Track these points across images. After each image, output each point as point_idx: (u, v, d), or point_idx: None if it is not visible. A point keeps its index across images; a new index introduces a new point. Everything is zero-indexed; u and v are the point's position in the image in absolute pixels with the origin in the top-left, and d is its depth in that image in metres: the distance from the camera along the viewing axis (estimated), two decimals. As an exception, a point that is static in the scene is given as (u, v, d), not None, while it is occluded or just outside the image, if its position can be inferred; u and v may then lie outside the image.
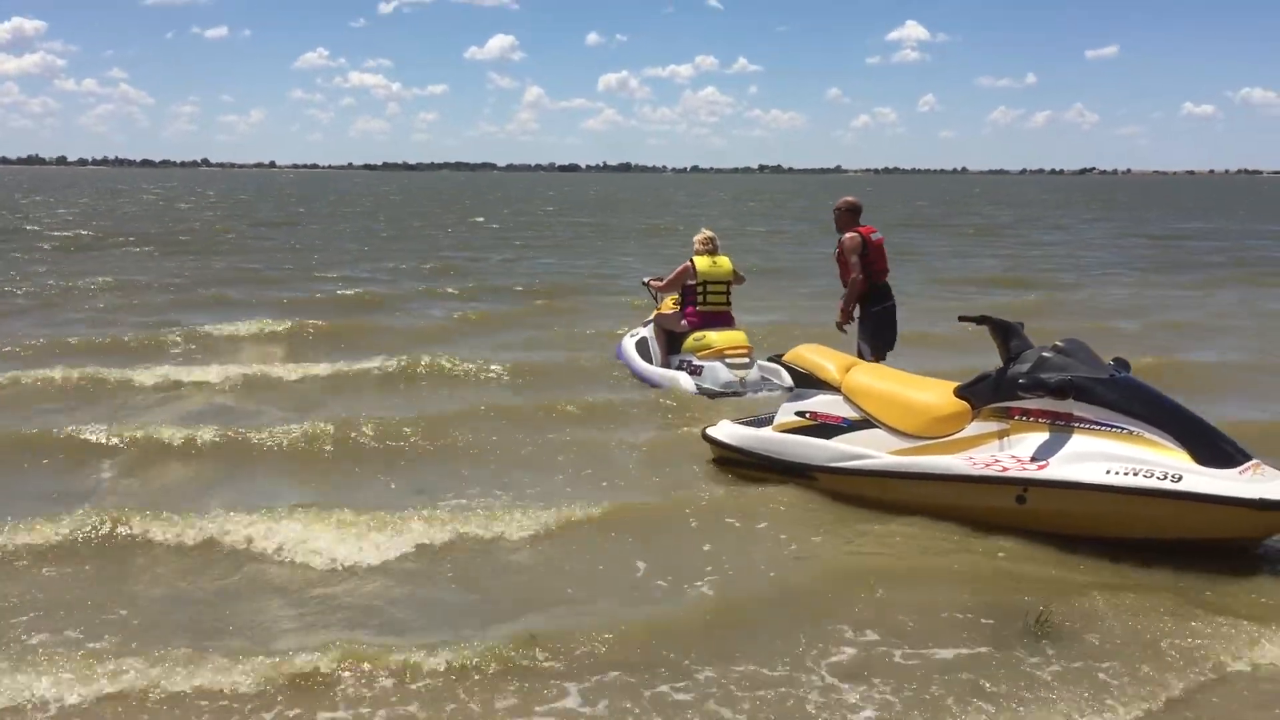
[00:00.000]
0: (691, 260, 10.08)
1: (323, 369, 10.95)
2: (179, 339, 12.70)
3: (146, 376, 10.28)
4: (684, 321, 10.06)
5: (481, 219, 45.28)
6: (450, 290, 18.53)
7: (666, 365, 10.03)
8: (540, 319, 15.22)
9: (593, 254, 27.64)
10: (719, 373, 9.50)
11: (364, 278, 20.43)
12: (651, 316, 10.63)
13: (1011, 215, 55.02)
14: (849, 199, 9.49)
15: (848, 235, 9.23)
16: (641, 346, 10.53)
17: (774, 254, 27.34)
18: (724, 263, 10.11)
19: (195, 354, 12.06)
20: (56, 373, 10.23)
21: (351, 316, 15.07)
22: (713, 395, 9.37)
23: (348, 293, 17.71)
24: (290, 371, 10.81)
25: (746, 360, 9.59)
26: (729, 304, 10.19)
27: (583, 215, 52.57)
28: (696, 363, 9.69)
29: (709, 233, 10.31)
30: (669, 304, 10.33)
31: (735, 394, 9.35)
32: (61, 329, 13.54)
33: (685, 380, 9.63)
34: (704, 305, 10.03)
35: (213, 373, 10.53)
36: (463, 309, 16.10)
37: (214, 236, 32.50)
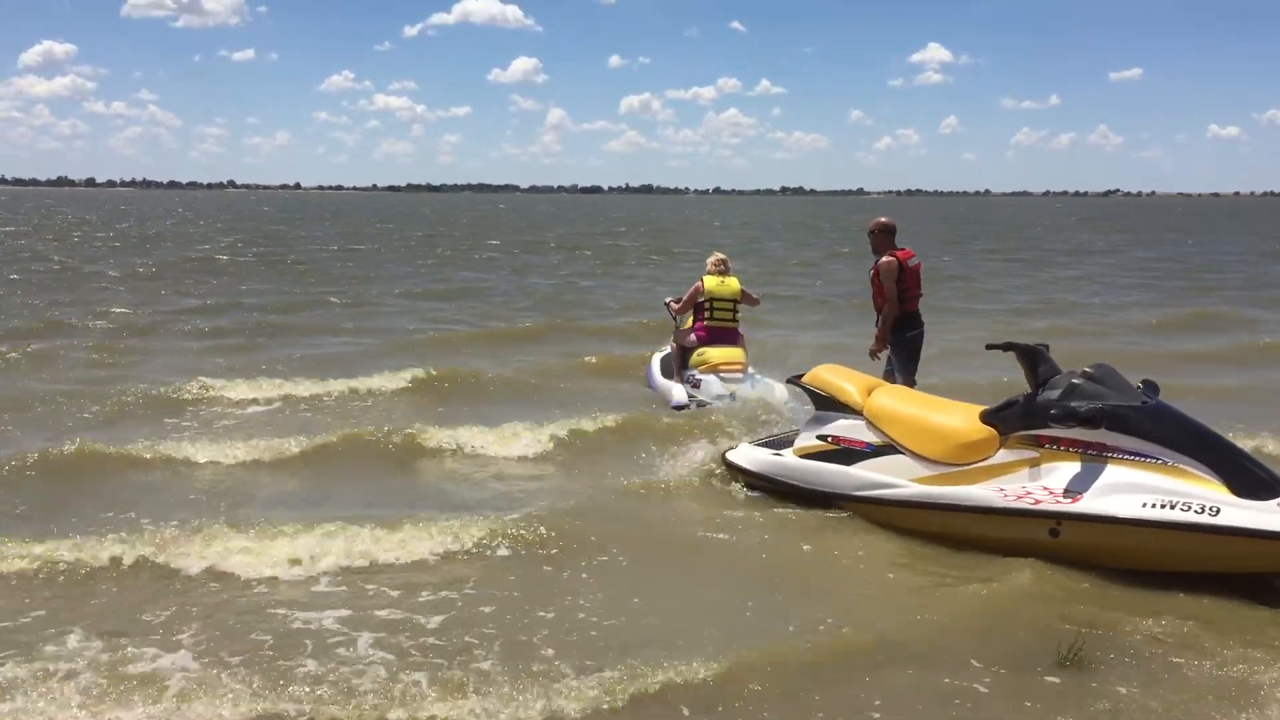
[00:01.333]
0: (702, 280, 10.83)
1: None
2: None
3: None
4: (692, 336, 10.79)
5: (590, 252, 38.94)
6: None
7: (681, 378, 10.68)
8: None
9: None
10: (712, 386, 10.21)
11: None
12: (673, 336, 11.35)
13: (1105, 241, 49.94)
14: (883, 220, 9.23)
15: (884, 260, 8.97)
16: (665, 361, 11.30)
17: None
18: (732, 283, 10.81)
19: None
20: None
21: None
22: (701, 405, 10.05)
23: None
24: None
25: (739, 375, 10.30)
26: (735, 321, 10.84)
27: (679, 240, 48.33)
28: (697, 376, 10.45)
29: (721, 255, 11.13)
30: (689, 321, 11.00)
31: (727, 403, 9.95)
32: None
33: (678, 391, 10.43)
34: (710, 321, 10.74)
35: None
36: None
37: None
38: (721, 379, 10.24)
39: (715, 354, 10.48)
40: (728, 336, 10.74)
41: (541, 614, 5.43)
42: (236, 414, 10.18)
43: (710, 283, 10.77)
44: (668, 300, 11.66)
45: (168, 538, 6.22)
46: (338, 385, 11.20)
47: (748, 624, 5.36)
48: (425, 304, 20.29)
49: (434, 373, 11.70)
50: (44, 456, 8.11)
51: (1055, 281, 26.55)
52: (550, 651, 4.97)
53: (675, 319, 11.33)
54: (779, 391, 9.79)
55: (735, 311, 10.84)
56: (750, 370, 10.49)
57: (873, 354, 9.22)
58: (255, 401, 10.63)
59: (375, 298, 21.07)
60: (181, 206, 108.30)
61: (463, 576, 5.92)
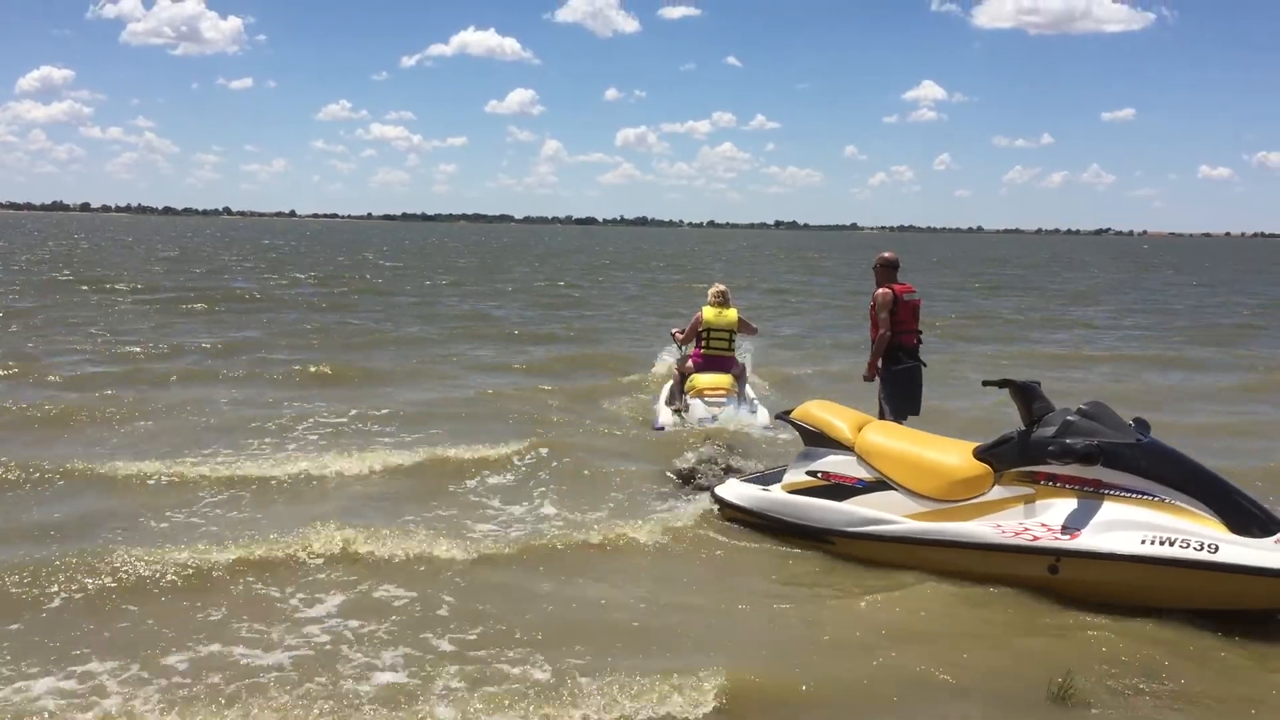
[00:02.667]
0: (701, 311, 11.36)
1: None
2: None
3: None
4: (689, 362, 11.35)
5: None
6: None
7: (680, 403, 11.12)
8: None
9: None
10: (697, 409, 10.78)
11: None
12: (677, 362, 11.98)
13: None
14: (885, 255, 9.40)
15: (880, 290, 9.15)
16: (672, 389, 11.65)
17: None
18: (729, 314, 11.33)
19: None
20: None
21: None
22: (686, 426, 10.58)
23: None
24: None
25: (723, 399, 10.83)
26: (730, 350, 11.38)
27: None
28: (687, 400, 10.99)
29: (721, 287, 11.66)
30: (689, 348, 11.60)
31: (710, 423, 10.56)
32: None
33: (663, 415, 11.02)
34: (707, 350, 11.32)
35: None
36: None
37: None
38: (705, 403, 10.77)
39: (702, 380, 11.03)
40: (721, 364, 11.23)
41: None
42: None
43: (709, 314, 11.31)
44: (673, 331, 12.32)
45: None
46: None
47: (745, 654, 5.26)
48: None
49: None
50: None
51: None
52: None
53: (680, 348, 11.90)
54: (761, 416, 10.69)
55: (731, 341, 11.35)
56: (737, 395, 10.99)
57: (866, 378, 9.29)
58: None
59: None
60: (190, 232, 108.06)
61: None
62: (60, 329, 18.78)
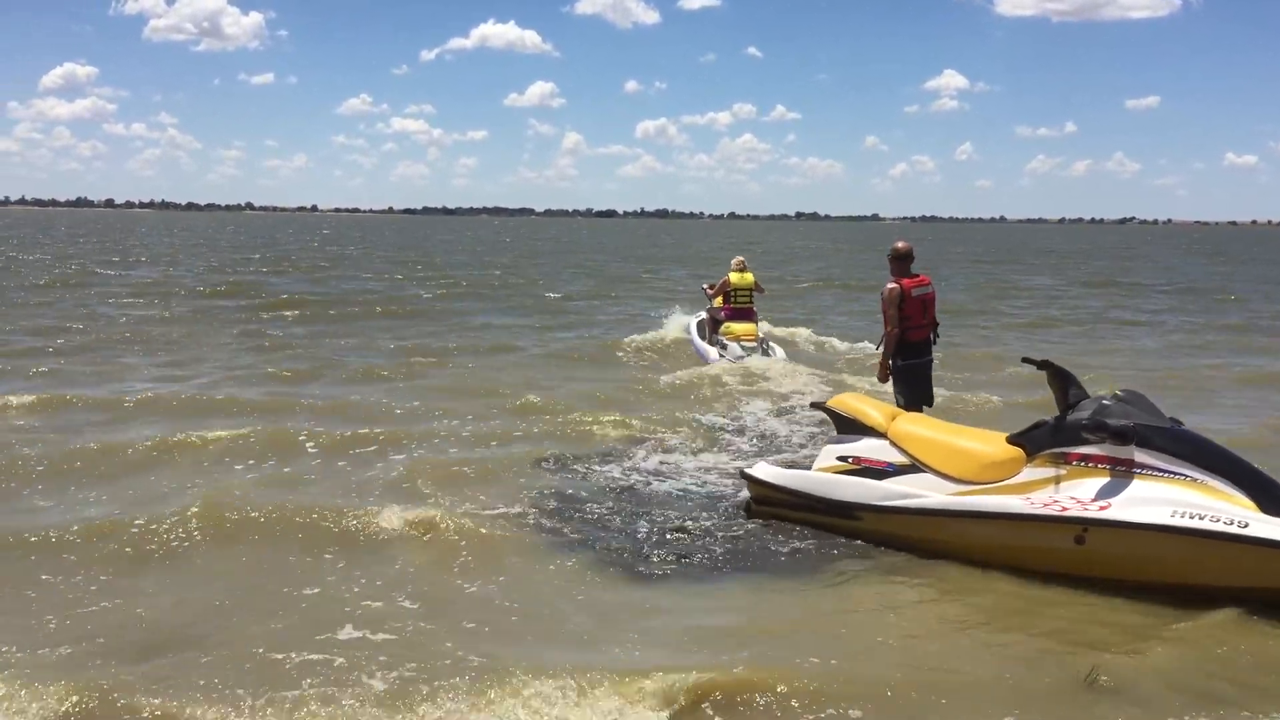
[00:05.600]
0: (729, 275, 15.35)
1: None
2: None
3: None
4: (722, 312, 15.24)
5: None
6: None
7: (710, 341, 15.32)
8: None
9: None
10: (734, 349, 14.63)
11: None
12: (706, 308, 16.16)
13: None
14: (898, 245, 9.23)
15: (888, 287, 9.00)
16: (699, 326, 16.28)
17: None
18: (749, 277, 15.39)
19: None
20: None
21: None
22: (728, 358, 14.43)
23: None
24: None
25: (753, 343, 14.78)
26: (751, 303, 15.37)
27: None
28: (725, 342, 14.84)
29: (741, 258, 15.85)
30: (718, 301, 15.42)
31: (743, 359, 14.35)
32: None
33: (714, 354, 14.90)
34: (735, 303, 15.26)
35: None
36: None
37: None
38: (742, 346, 14.67)
39: (737, 328, 14.97)
40: (746, 315, 15.24)
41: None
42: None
43: (734, 277, 15.30)
44: (704, 285, 16.71)
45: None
46: None
47: (783, 656, 5.26)
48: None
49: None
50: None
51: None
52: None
53: (710, 299, 15.86)
54: (779, 354, 14.84)
55: (751, 296, 15.33)
56: (761, 338, 15.07)
57: (879, 379, 9.19)
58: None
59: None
60: (234, 228, 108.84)
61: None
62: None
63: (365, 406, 11.46)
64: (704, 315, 16.28)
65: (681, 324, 17.76)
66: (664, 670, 4.77)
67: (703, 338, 15.77)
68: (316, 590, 5.99)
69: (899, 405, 8.79)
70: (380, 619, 5.54)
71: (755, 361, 14.14)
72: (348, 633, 5.35)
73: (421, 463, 8.83)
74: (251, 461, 8.94)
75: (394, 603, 5.80)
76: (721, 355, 14.69)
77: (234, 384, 12.94)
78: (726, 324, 14.99)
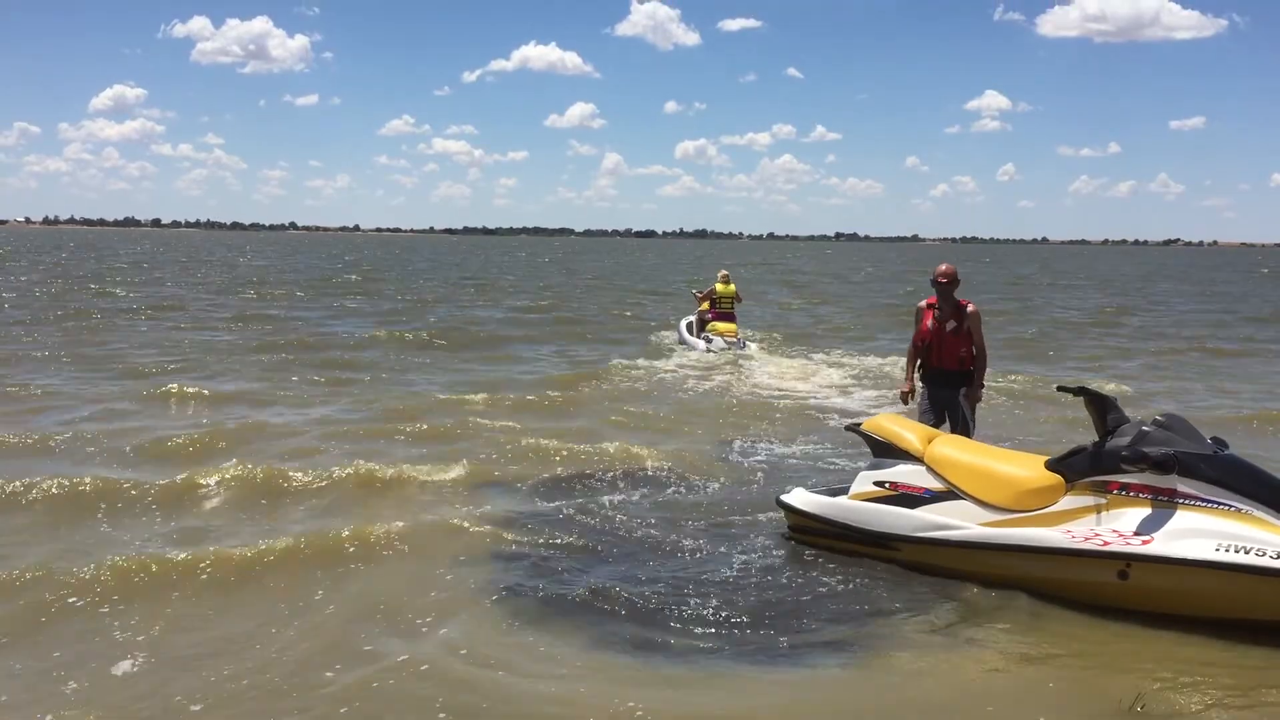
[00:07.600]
0: (715, 285, 19.86)
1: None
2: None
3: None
4: (709, 315, 19.81)
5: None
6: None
7: (699, 336, 19.58)
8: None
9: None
10: (718, 343, 18.75)
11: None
12: (695, 312, 20.72)
13: None
14: (940, 268, 8.55)
15: (971, 308, 8.52)
16: (689, 326, 20.53)
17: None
18: (730, 289, 19.73)
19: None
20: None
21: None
22: (716, 351, 18.45)
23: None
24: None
25: (733, 340, 18.89)
26: (732, 309, 19.73)
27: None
28: (711, 336, 19.04)
29: (725, 272, 20.34)
30: (705, 305, 20.15)
31: (727, 352, 18.41)
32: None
33: (701, 345, 18.96)
34: (719, 308, 19.72)
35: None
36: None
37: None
38: (725, 341, 18.81)
39: (721, 326, 19.33)
40: (729, 317, 19.54)
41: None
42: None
43: (720, 287, 19.75)
44: (694, 292, 22.21)
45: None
46: None
47: (813, 687, 5.28)
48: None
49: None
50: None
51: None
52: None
53: (699, 303, 20.59)
54: (752, 349, 19.25)
55: (732, 304, 19.75)
56: (739, 337, 19.12)
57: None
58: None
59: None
60: (292, 249, 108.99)
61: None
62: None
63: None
64: (693, 318, 20.64)
65: (678, 328, 21.58)
66: None
67: (692, 334, 20.02)
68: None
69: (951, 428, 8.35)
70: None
71: (734, 353, 18.28)
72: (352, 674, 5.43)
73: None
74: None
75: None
76: (708, 347, 18.72)
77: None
78: (712, 323, 19.50)
